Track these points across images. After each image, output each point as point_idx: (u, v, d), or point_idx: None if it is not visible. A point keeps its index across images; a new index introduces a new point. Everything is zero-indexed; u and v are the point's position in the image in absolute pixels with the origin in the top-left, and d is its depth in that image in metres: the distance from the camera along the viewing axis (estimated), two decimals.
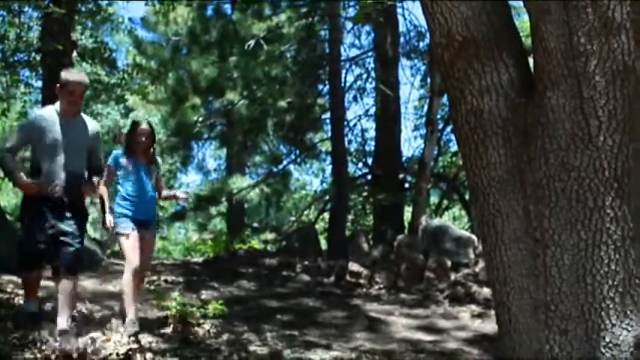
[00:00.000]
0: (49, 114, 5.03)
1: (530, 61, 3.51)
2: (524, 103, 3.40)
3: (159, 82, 15.91)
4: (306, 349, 6.07)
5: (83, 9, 12.49)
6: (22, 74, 12.50)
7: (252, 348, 6.03)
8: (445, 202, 17.18)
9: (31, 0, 10.25)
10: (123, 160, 5.62)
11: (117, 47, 20.00)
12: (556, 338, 3.28)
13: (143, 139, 5.59)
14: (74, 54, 11.63)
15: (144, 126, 5.68)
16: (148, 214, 5.71)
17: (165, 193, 6.08)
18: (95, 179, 5.29)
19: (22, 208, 5.26)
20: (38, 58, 11.42)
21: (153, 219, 5.89)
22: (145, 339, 5.98)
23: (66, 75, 5.02)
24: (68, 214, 5.02)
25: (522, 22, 8.04)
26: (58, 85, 4.94)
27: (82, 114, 5.22)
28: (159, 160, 6.03)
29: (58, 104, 5.05)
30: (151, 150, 5.76)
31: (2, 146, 5.06)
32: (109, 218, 5.60)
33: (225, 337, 6.26)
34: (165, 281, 8.43)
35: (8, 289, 6.90)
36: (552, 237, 3.29)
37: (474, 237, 9.46)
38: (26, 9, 11.52)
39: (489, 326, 6.99)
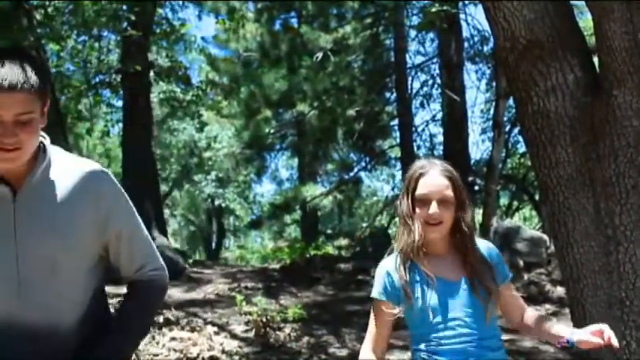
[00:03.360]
0: None
1: (595, 59, 3.55)
2: (591, 101, 3.43)
3: (232, 97, 16.39)
4: None
5: (158, 30, 13.06)
6: (104, 95, 13.12)
7: (331, 350, 6.21)
8: (515, 202, 16.94)
9: (110, 25, 10.78)
10: (399, 276, 2.29)
11: (190, 65, 20.71)
12: (632, 334, 3.28)
13: (434, 208, 2.26)
14: (151, 73, 12.17)
15: (435, 176, 2.32)
16: None
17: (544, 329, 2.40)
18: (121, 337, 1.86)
19: None
20: (118, 78, 11.98)
21: None
22: (229, 343, 6.26)
23: None
24: None
25: (586, 20, 7.93)
26: None
27: (57, 161, 1.84)
28: (495, 253, 2.45)
29: None
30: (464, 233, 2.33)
31: None
32: None
33: (305, 340, 6.47)
34: (246, 288, 8.69)
35: None
36: (624, 233, 3.30)
37: (545, 237, 9.33)
38: (106, 33, 12.14)
39: (564, 325, 6.91)
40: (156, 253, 1.96)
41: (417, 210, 2.27)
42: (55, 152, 1.84)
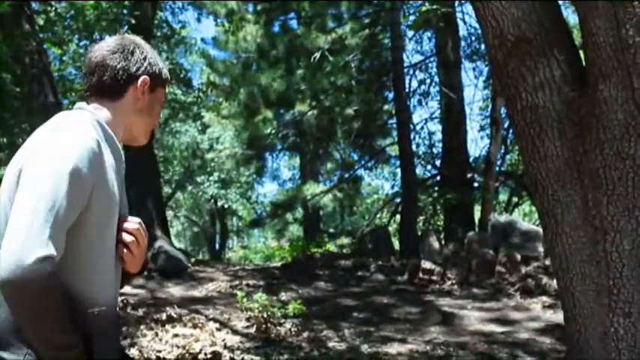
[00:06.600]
0: (109, 144, 1.77)
1: (582, 54, 3.62)
2: (578, 96, 3.48)
3: (232, 98, 16.49)
4: (382, 343, 6.27)
5: (159, 33, 13.15)
6: None
7: (331, 344, 6.29)
8: (515, 198, 17.03)
9: (110, 28, 10.86)
10: None
11: (191, 67, 20.83)
12: (620, 321, 3.34)
13: None
14: None
15: None
16: None
17: None
18: None
19: None
20: None
21: None
22: (231, 339, 6.36)
23: (159, 63, 1.92)
24: None
25: (574, 17, 8.01)
26: (144, 77, 1.84)
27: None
28: None
29: (98, 122, 1.77)
30: None
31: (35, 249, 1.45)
32: None
33: (305, 334, 6.54)
34: (247, 285, 8.78)
35: None
36: (611, 223, 3.35)
37: (541, 231, 9.40)
38: (107, 37, 12.21)
39: (561, 316, 6.96)
40: None
41: None
42: None
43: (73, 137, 1.60)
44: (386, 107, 16.19)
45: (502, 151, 14.78)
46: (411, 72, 15.39)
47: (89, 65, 1.86)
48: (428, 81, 16.07)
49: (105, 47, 1.84)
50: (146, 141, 1.91)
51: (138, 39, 1.90)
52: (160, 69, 1.88)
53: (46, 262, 1.42)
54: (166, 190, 21.69)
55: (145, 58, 1.85)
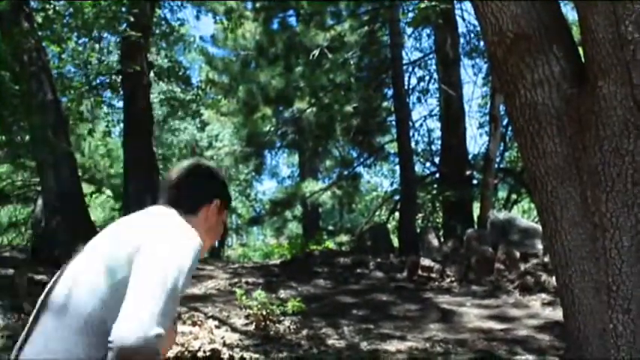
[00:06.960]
0: None
1: (581, 51, 3.61)
2: (577, 93, 3.47)
3: (230, 96, 16.50)
4: (381, 340, 6.27)
5: (157, 31, 13.14)
6: (105, 96, 13.20)
7: (330, 342, 6.29)
8: (514, 196, 17.06)
9: (109, 26, 10.86)
10: None
11: (190, 65, 20.80)
12: (619, 317, 3.34)
13: None
14: (151, 74, 12.22)
15: None
16: None
17: None
18: None
19: None
20: (118, 79, 12.05)
21: None
22: (230, 336, 6.35)
23: (227, 187, 2.26)
24: None
25: (574, 13, 8.02)
26: (216, 201, 2.13)
27: None
28: None
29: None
30: None
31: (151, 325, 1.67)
32: None
33: (304, 332, 6.54)
34: (247, 283, 8.79)
35: None
36: (610, 220, 3.35)
37: (540, 227, 9.42)
38: (105, 35, 12.22)
39: (560, 313, 6.98)
40: None
41: None
42: None
43: (190, 236, 1.88)
44: (385, 104, 16.20)
45: (501, 148, 14.79)
46: (410, 69, 15.43)
47: (171, 180, 2.09)
48: (427, 78, 16.11)
49: (185, 168, 2.11)
50: (203, 255, 2.10)
51: (212, 164, 2.22)
52: (228, 193, 2.17)
53: (160, 340, 1.65)
54: None
55: (218, 183, 2.13)
